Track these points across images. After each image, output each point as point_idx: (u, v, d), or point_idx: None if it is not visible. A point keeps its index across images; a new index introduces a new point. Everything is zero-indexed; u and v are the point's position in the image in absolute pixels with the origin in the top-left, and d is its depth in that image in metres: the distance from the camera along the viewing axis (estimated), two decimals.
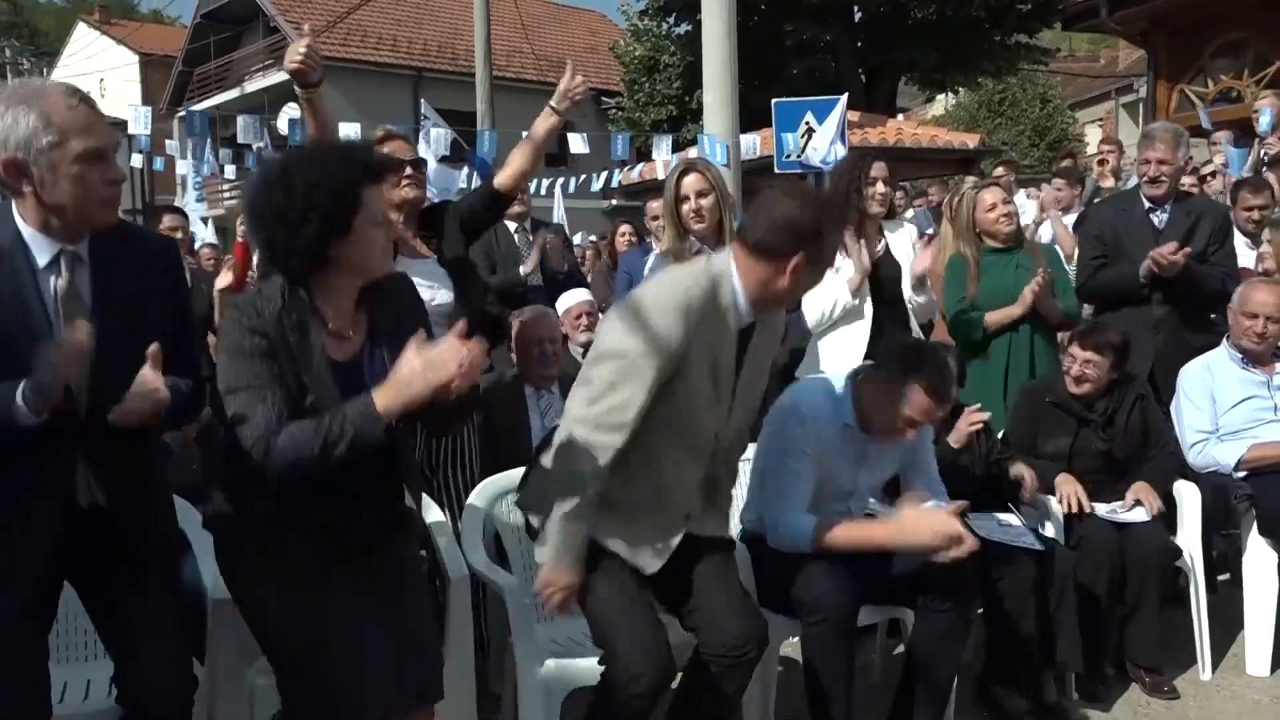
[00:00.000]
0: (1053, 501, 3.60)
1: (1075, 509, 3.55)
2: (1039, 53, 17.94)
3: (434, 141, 11.29)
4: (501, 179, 3.26)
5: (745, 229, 2.32)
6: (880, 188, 3.95)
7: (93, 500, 2.02)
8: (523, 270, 5.68)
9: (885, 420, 2.76)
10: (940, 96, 26.87)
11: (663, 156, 10.27)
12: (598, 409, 2.24)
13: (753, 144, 9.44)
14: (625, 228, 7.55)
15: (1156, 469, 3.71)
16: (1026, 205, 7.73)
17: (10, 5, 55.52)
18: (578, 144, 9.62)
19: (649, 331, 2.20)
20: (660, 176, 11.99)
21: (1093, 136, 31.69)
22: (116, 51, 40.11)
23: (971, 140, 13.24)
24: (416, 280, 2.89)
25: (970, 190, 5.06)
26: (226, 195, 23.70)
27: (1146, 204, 4.45)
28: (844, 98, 9.41)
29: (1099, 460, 3.71)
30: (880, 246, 4.00)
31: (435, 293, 3.05)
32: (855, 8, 16.42)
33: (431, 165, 10.28)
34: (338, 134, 3.00)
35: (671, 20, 17.15)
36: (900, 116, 16.47)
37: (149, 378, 1.93)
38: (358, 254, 2.00)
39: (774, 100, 9.76)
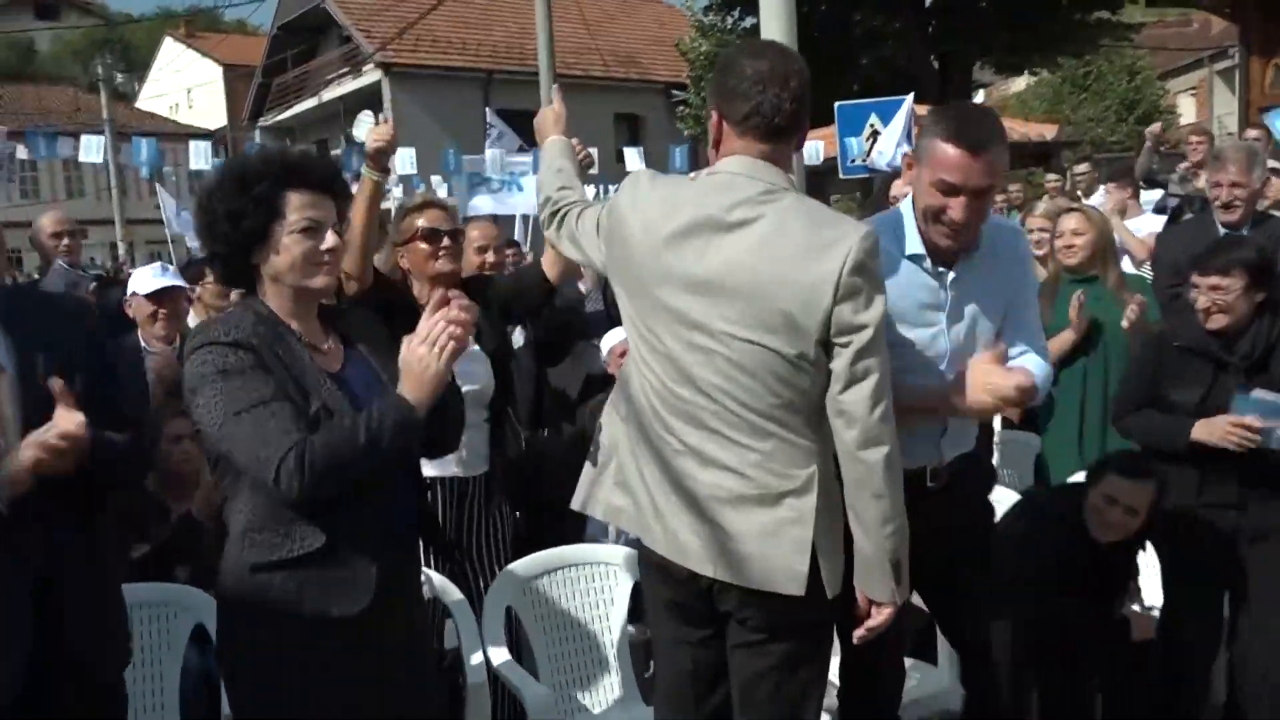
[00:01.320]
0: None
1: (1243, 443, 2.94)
2: (1122, 29, 17.17)
3: (505, 147, 11.35)
4: (551, 268, 3.11)
5: None
6: None
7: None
8: (582, 287, 5.36)
9: (923, 206, 2.24)
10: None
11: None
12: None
13: (816, 150, 9.21)
14: None
15: None
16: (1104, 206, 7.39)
17: (104, 22, 57.69)
18: (634, 160, 9.49)
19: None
20: None
21: (1185, 108, 30.38)
22: (202, 65, 41.36)
23: (1049, 131, 12.72)
24: None
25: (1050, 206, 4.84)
26: None
27: (1221, 230, 4.17)
28: (909, 97, 9.07)
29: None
30: None
31: (466, 379, 2.90)
32: None
33: (499, 167, 10.30)
34: (377, 224, 2.93)
35: (736, 15, 16.87)
36: (980, 94, 15.87)
37: (60, 417, 1.78)
38: (281, 263, 1.94)
39: (836, 103, 9.50)
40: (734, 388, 1.93)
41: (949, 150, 2.12)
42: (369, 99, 25.41)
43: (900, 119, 8.98)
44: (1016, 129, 12.50)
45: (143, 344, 3.54)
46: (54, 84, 43.63)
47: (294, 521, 1.88)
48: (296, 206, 1.93)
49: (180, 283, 3.91)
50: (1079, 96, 27.11)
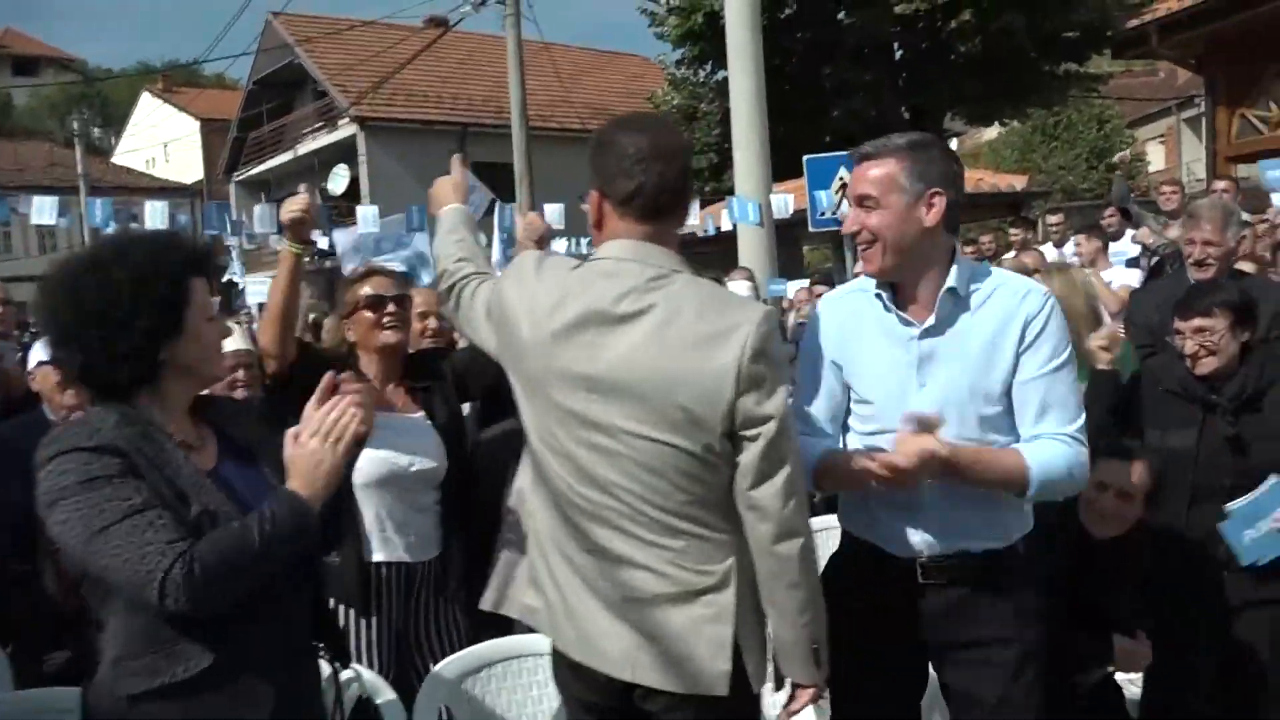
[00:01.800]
0: None
1: None
2: (1090, 80, 17.36)
3: (473, 205, 11.25)
4: None
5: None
6: None
7: None
8: None
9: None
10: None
11: (688, 220, 9.98)
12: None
13: (786, 203, 9.14)
14: None
15: None
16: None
17: (82, 77, 57.81)
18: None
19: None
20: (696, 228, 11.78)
21: (1154, 155, 30.80)
22: (179, 119, 41.39)
23: (1019, 181, 12.79)
24: (396, 442, 2.69)
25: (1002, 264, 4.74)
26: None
27: None
28: None
29: (1229, 460, 3.00)
30: None
31: (416, 458, 2.76)
32: (895, 46, 16.06)
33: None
34: (299, 301, 2.79)
35: (708, 68, 16.97)
36: (953, 143, 16.02)
37: None
38: (194, 353, 1.81)
39: (805, 157, 9.46)
40: (641, 488, 1.82)
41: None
42: (344, 153, 25.40)
43: None
44: (987, 180, 12.55)
45: (50, 415, 3.32)
46: (30, 139, 43.51)
47: (176, 641, 1.69)
48: (202, 291, 1.82)
49: None
50: (1050, 145, 27.45)
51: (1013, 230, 9.00)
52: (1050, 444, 2.05)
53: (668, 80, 18.78)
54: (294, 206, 2.63)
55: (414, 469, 2.73)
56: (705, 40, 15.33)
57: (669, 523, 1.83)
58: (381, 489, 2.67)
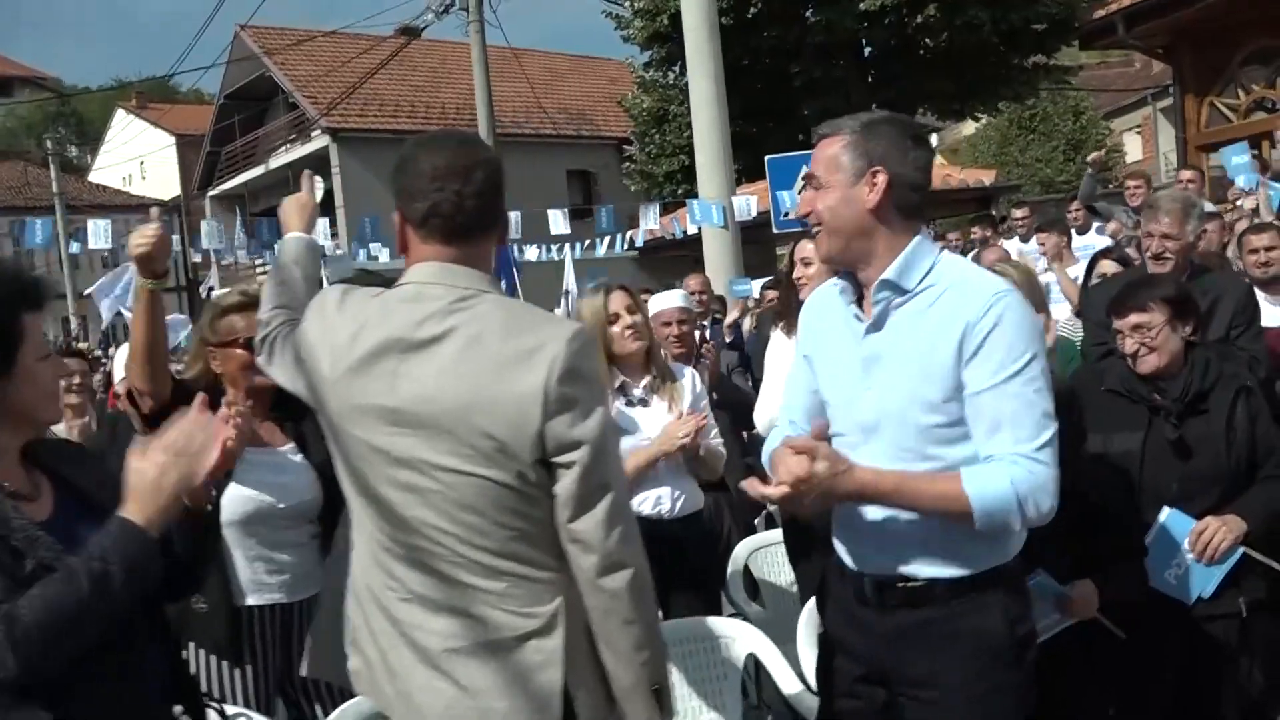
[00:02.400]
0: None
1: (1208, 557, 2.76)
2: (1060, 72, 17.30)
3: None
4: None
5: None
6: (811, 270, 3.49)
7: None
8: None
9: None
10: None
11: (648, 225, 9.86)
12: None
13: (748, 205, 9.01)
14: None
15: (1262, 496, 2.80)
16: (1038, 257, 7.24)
17: (57, 96, 57.44)
18: (558, 223, 9.25)
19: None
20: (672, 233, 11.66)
21: (1131, 145, 30.80)
22: (155, 134, 41.09)
23: (987, 177, 12.68)
24: (263, 479, 2.51)
25: None
26: (258, 273, 23.90)
27: None
28: None
29: (1175, 464, 2.81)
30: None
31: (286, 493, 2.59)
32: (863, 43, 15.97)
33: None
34: (167, 340, 2.60)
35: (676, 70, 16.85)
36: (933, 138, 15.91)
37: None
38: (26, 395, 1.68)
39: (767, 157, 9.32)
40: (455, 526, 1.67)
41: None
42: (317, 164, 25.15)
43: None
44: (955, 176, 12.44)
45: None
46: (4, 159, 43.15)
47: (9, 709, 1.54)
48: (35, 328, 1.69)
49: None
50: (1026, 138, 27.42)
51: (974, 228, 8.88)
52: (998, 467, 1.80)
53: (636, 83, 18.66)
54: (141, 240, 2.40)
55: (283, 505, 2.58)
56: (672, 42, 15.21)
57: (489, 563, 1.68)
58: (250, 528, 2.51)
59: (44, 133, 44.35)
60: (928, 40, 15.24)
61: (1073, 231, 8.34)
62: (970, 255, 7.42)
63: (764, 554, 3.86)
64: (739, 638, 2.99)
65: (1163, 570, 2.78)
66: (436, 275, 1.73)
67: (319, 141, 24.94)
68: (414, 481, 1.67)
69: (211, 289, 12.04)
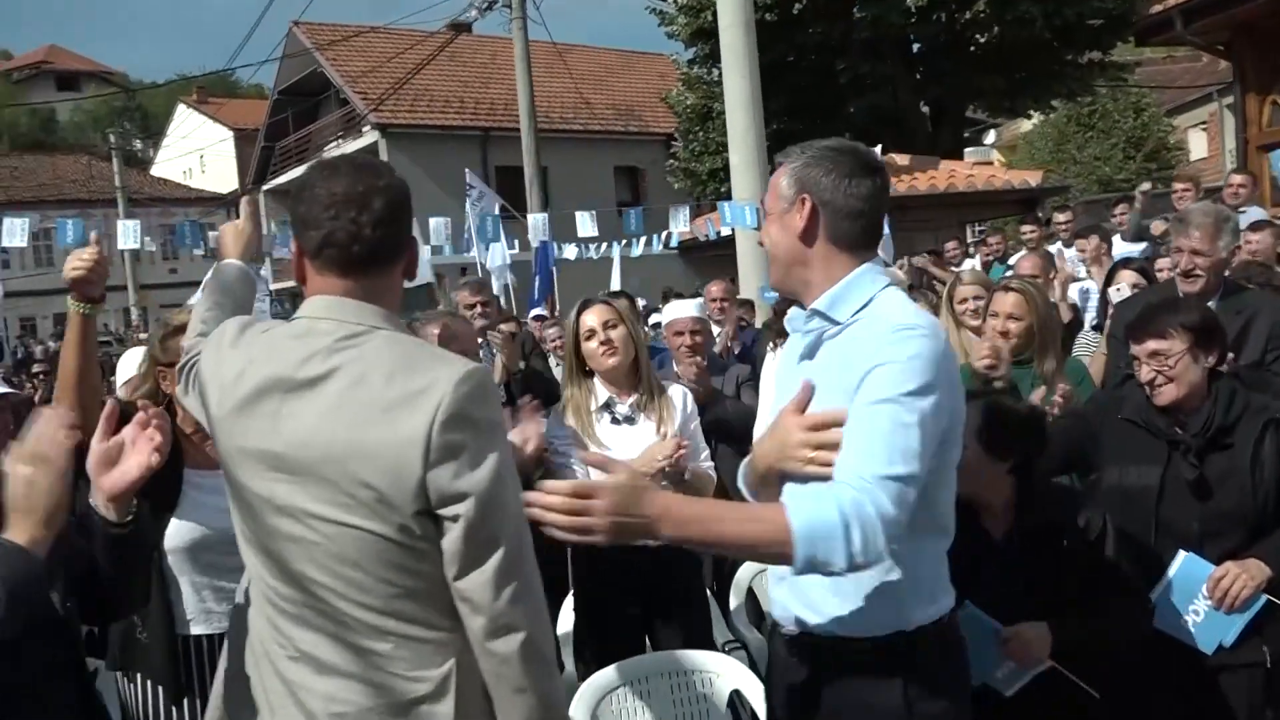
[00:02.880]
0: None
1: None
2: (1116, 69, 16.78)
3: (484, 209, 11.08)
4: None
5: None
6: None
7: None
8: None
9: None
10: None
11: (679, 227, 9.73)
12: None
13: None
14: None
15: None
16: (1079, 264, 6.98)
17: (123, 91, 58.78)
18: (586, 225, 9.15)
19: None
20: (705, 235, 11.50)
21: (1196, 143, 29.87)
22: (214, 129, 41.85)
23: (1033, 178, 12.28)
24: (208, 502, 2.43)
25: (962, 278, 4.42)
26: None
27: None
28: (878, 149, 8.69)
29: (1195, 503, 2.61)
30: None
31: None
32: (911, 39, 15.63)
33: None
34: (97, 364, 2.50)
35: (721, 67, 16.63)
36: (990, 134, 15.52)
37: None
38: None
39: None
40: (338, 582, 1.56)
41: None
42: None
43: None
44: (999, 177, 12.10)
45: None
46: (71, 154, 44.25)
47: None
48: None
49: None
50: (1085, 135, 26.70)
51: (1025, 228, 8.59)
52: (827, 490, 1.60)
53: (681, 80, 18.47)
54: (76, 262, 2.32)
55: (230, 529, 2.48)
56: (715, 38, 14.97)
57: (374, 622, 1.56)
58: (196, 554, 2.43)
59: (109, 128, 45.44)
60: (978, 36, 14.86)
61: (1116, 238, 8.04)
62: (1019, 257, 7.18)
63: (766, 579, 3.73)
64: (723, 672, 2.87)
65: (1178, 617, 2.61)
66: (328, 310, 1.62)
67: (369, 137, 25.13)
68: (295, 532, 1.57)
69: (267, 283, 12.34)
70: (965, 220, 12.89)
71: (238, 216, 2.28)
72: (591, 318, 3.24)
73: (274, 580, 1.62)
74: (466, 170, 12.34)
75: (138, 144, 54.82)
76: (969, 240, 12.28)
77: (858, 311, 1.80)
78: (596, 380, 3.27)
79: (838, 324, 1.82)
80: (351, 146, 25.95)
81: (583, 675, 2.95)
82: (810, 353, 1.88)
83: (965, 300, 4.25)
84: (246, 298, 2.07)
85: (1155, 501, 2.66)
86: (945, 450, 1.74)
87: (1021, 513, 2.42)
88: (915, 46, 16.03)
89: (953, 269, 9.04)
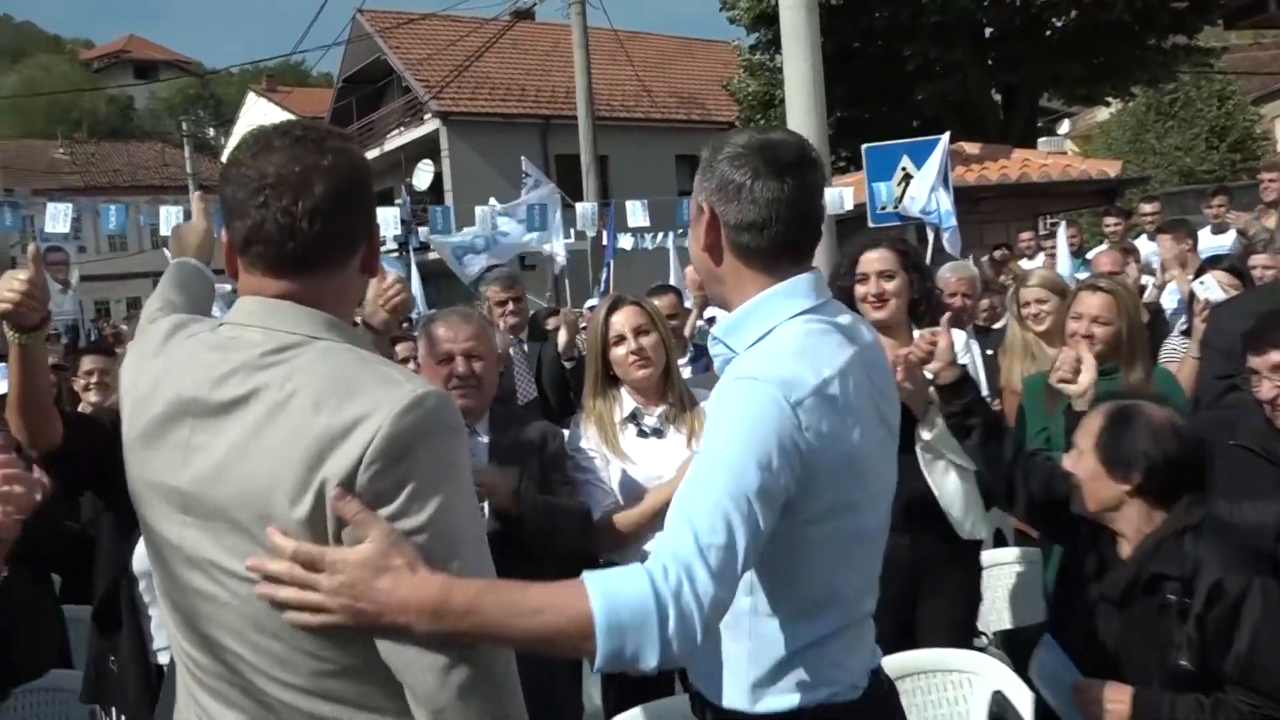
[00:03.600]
0: None
1: None
2: (1201, 54, 15.97)
3: (538, 198, 10.90)
4: None
5: None
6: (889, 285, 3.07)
7: None
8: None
9: None
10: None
11: None
12: None
13: (839, 198, 8.43)
14: None
15: None
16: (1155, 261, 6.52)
17: (199, 80, 59.99)
18: (637, 214, 8.88)
19: None
20: None
21: None
22: (282, 116, 42.38)
23: (1112, 168, 11.66)
24: None
25: (1027, 281, 4.07)
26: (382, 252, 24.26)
27: None
28: (945, 137, 8.30)
29: None
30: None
31: None
32: (983, 22, 15.03)
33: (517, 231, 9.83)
34: (50, 392, 2.28)
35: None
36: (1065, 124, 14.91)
37: None
38: None
39: (864, 146, 8.74)
40: (256, 655, 1.27)
41: None
42: (428, 147, 25.43)
43: (935, 161, 8.19)
44: (1076, 167, 11.53)
45: None
46: (147, 140, 45.31)
47: None
48: None
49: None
50: (1165, 124, 25.63)
51: (1108, 220, 8.09)
52: (638, 566, 1.32)
53: (743, 67, 18.07)
54: (4, 292, 2.00)
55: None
56: (778, 23, 14.59)
57: (301, 705, 1.27)
58: None
59: (183, 115, 46.37)
60: (1054, 19, 14.23)
61: (1206, 230, 7.54)
62: (1100, 250, 6.74)
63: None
64: (981, 672, 2.59)
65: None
66: (256, 315, 1.32)
67: (431, 125, 25.14)
68: (207, 589, 1.29)
69: None
70: (1039, 212, 12.32)
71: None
72: (621, 321, 2.96)
73: (189, 645, 1.35)
74: (522, 158, 12.14)
75: (210, 131, 55.85)
76: (1041, 233, 11.76)
77: (755, 343, 1.56)
78: (622, 388, 3.00)
79: (735, 353, 1.59)
80: (414, 134, 26.04)
81: None
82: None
83: (1028, 304, 3.93)
84: (203, 297, 1.82)
85: (1275, 541, 2.29)
86: (804, 514, 1.49)
87: (1145, 553, 2.06)
88: (987, 31, 15.41)
89: (1025, 263, 8.60)
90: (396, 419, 1.20)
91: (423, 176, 25.80)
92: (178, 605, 1.34)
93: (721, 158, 1.58)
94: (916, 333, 3.09)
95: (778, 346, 1.53)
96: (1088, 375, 2.76)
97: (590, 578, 1.29)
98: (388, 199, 26.64)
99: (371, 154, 28.19)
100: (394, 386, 1.24)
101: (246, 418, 1.25)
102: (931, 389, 2.71)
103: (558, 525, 2.54)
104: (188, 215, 3.08)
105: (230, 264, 1.37)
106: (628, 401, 2.98)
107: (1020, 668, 2.53)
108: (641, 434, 2.93)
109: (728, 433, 1.43)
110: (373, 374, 1.27)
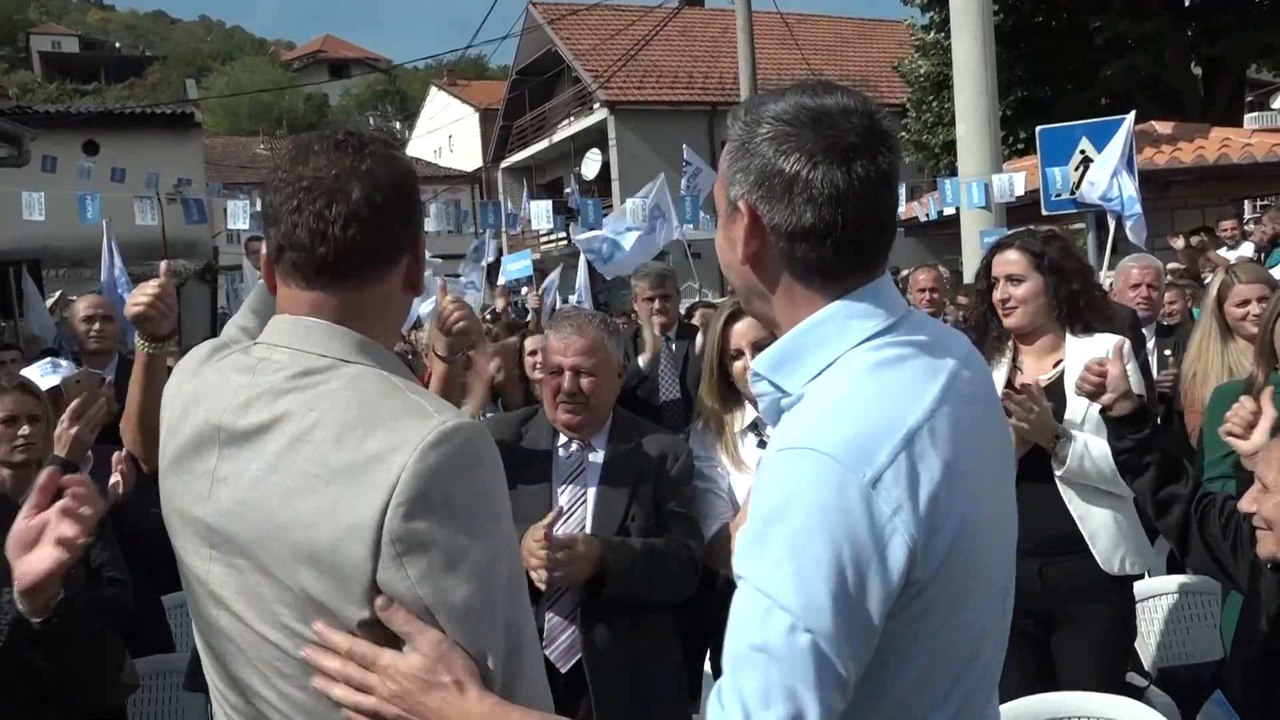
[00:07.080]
0: None
1: None
2: None
3: (702, 185, 10.81)
4: None
5: None
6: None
7: None
8: (640, 362, 4.82)
9: None
10: None
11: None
12: None
13: (1008, 184, 7.94)
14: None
15: None
16: None
17: (387, 76, 62.98)
18: None
19: None
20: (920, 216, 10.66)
21: None
22: (461, 108, 43.91)
23: None
24: None
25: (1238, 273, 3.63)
26: (542, 241, 24.83)
27: None
28: (1130, 116, 7.66)
29: None
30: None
31: None
32: None
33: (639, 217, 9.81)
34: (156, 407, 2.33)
35: None
36: (1270, 110, 13.63)
37: None
38: None
39: (1039, 128, 8.18)
40: (284, 703, 1.18)
41: None
42: (596, 137, 25.75)
43: (1118, 143, 7.57)
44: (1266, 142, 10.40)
45: None
46: None
47: None
48: None
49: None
50: None
51: None
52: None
53: (914, 47, 17.36)
54: (134, 301, 2.04)
55: None
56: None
57: None
58: None
59: (373, 110, 48.83)
60: None
61: None
62: None
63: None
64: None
65: None
66: (289, 334, 1.23)
67: (599, 114, 25.44)
68: (233, 630, 1.21)
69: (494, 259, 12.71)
70: (1241, 196, 11.26)
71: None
72: (741, 333, 2.80)
73: (222, 685, 1.28)
74: (684, 146, 12.05)
75: (396, 125, 58.50)
76: (1246, 219, 10.76)
77: (812, 379, 1.17)
78: (743, 397, 2.85)
79: (786, 393, 1.19)
80: (583, 124, 26.44)
81: None
82: (773, 422, 1.23)
83: (1247, 303, 3.44)
84: None
85: None
86: (904, 619, 1.08)
87: None
88: (1187, 1, 14.24)
89: (1227, 251, 7.88)
90: (422, 455, 1.10)
91: (590, 166, 26.19)
92: (209, 645, 1.28)
93: (761, 135, 1.15)
94: (1069, 342, 2.82)
95: (840, 395, 1.13)
96: (1262, 432, 2.28)
97: None
98: (557, 189, 27.30)
99: (541, 145, 28.82)
100: (423, 418, 1.13)
101: (267, 448, 1.17)
102: (1097, 412, 2.43)
103: (650, 576, 2.39)
104: None
105: (269, 277, 1.29)
106: (749, 410, 2.83)
107: (1188, 713, 2.26)
108: (762, 445, 2.79)
109: (779, 546, 1.04)
110: (401, 403, 1.16)
